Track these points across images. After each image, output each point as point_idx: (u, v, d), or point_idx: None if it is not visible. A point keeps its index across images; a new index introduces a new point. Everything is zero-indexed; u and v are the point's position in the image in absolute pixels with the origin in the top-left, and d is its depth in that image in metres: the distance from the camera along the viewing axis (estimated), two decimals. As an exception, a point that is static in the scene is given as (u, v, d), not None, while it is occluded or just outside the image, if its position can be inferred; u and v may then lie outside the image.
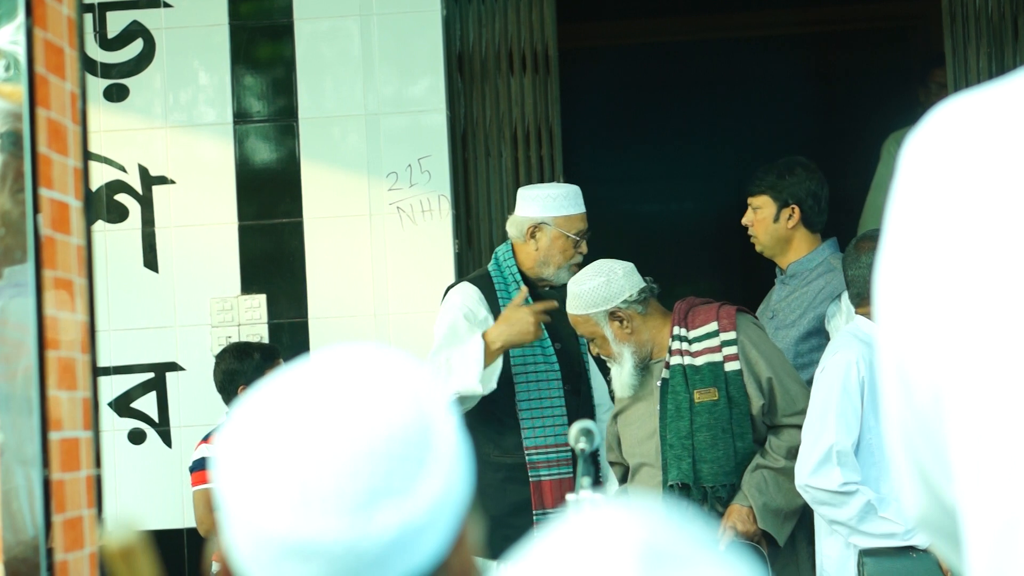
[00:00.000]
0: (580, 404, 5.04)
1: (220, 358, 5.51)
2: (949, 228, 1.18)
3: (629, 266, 4.73)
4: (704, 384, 4.59)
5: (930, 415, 1.22)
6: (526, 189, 5.22)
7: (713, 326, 4.63)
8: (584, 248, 5.09)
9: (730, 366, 4.60)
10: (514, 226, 5.13)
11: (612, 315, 4.65)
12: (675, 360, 4.63)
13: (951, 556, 1.27)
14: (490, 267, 5.12)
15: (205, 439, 5.43)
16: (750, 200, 5.26)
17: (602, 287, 4.66)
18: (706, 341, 4.63)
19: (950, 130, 1.21)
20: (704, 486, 4.57)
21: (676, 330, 4.67)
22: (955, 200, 1.18)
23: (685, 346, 4.64)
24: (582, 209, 5.14)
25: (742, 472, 4.59)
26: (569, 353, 5.08)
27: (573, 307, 4.71)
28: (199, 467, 5.33)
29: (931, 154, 1.21)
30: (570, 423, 4.92)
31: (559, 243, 5.06)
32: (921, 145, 1.23)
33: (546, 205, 5.10)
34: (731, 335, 4.62)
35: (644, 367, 4.71)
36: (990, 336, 1.15)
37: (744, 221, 5.26)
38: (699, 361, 4.61)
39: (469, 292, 5.02)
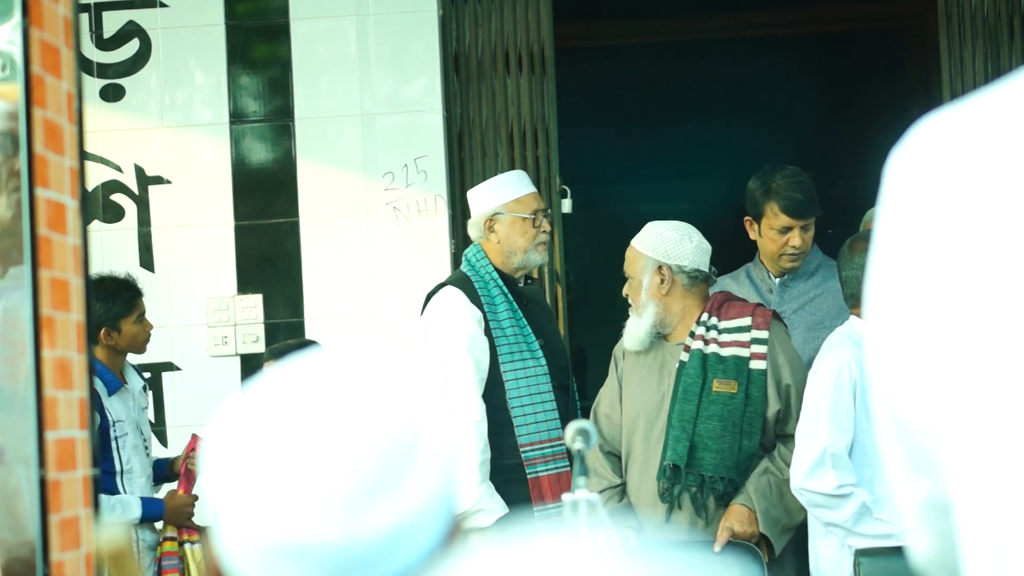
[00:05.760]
0: (568, 400, 5.04)
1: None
2: (937, 240, 1.18)
3: (706, 245, 4.77)
4: (726, 375, 4.59)
5: (924, 443, 1.22)
6: (473, 190, 5.23)
7: (747, 321, 4.64)
8: (546, 226, 5.08)
9: (755, 364, 4.60)
10: (474, 228, 5.13)
11: (659, 269, 4.70)
12: (696, 345, 4.64)
13: None
14: (464, 269, 5.08)
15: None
16: (806, 222, 5.12)
17: (670, 240, 4.72)
18: (736, 334, 4.63)
19: (934, 144, 1.21)
20: (703, 474, 4.56)
21: (704, 317, 4.68)
22: (941, 212, 1.18)
23: (713, 334, 4.64)
24: (531, 189, 5.13)
25: (743, 470, 4.58)
26: (553, 349, 5.08)
27: (636, 240, 4.78)
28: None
29: (915, 168, 1.21)
30: (559, 419, 4.93)
31: (517, 227, 5.06)
32: (905, 159, 1.23)
33: (494, 196, 5.11)
34: (763, 334, 4.62)
35: (658, 337, 4.74)
36: (984, 353, 1.15)
37: (798, 242, 5.08)
38: (725, 352, 4.62)
39: (459, 297, 4.98)
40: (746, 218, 5.19)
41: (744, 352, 4.61)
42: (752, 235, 5.20)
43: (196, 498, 5.19)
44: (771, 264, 5.20)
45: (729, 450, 4.56)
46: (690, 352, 4.64)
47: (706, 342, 4.64)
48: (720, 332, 4.65)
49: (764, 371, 4.59)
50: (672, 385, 4.66)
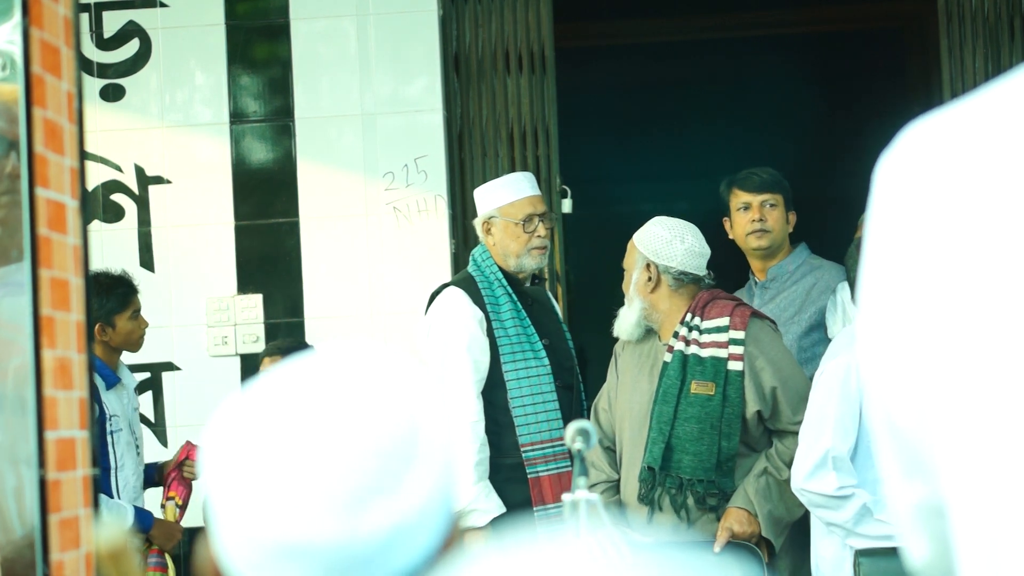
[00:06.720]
0: (571, 400, 5.04)
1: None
2: (927, 243, 1.18)
3: (701, 248, 4.75)
4: (704, 377, 4.59)
5: (918, 446, 1.22)
6: (477, 189, 5.23)
7: (724, 321, 4.63)
8: (541, 231, 5.06)
9: (733, 365, 4.59)
10: (477, 227, 5.16)
11: (647, 266, 4.71)
12: (678, 346, 4.64)
13: None
14: (470, 269, 5.09)
15: None
16: (765, 197, 5.24)
17: (661, 240, 4.72)
18: (715, 335, 4.63)
19: (923, 147, 1.21)
20: (681, 477, 4.57)
21: (688, 318, 4.67)
22: (931, 214, 1.18)
23: (695, 335, 4.64)
24: (528, 193, 5.10)
25: (724, 471, 4.58)
26: (558, 349, 5.08)
27: (636, 234, 4.80)
28: None
29: (905, 171, 1.21)
30: (562, 419, 4.92)
31: (509, 232, 5.06)
32: (895, 162, 1.23)
33: (490, 199, 5.12)
34: (739, 334, 4.61)
35: (653, 334, 4.75)
36: (974, 356, 1.15)
37: (757, 216, 5.23)
38: (704, 353, 4.62)
39: (461, 297, 4.99)
40: (724, 220, 5.29)
41: (723, 353, 4.61)
42: (731, 235, 5.29)
43: (182, 530, 5.19)
44: (749, 257, 5.29)
45: (707, 452, 4.56)
46: (672, 353, 4.65)
47: (687, 343, 4.65)
48: (701, 333, 4.65)
49: (741, 372, 4.59)
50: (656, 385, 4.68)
